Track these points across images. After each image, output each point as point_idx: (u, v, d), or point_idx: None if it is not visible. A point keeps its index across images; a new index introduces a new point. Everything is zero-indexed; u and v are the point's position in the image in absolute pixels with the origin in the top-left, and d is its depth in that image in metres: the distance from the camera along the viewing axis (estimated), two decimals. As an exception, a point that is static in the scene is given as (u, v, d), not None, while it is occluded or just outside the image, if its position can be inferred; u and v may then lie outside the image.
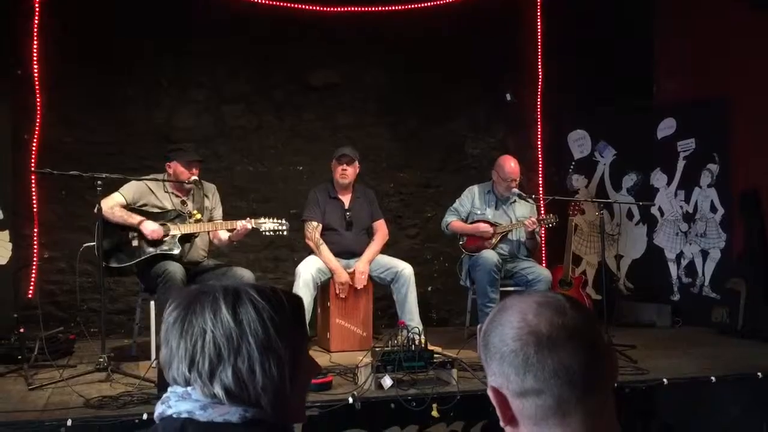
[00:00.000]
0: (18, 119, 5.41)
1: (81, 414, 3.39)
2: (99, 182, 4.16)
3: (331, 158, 5.27)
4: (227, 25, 5.95)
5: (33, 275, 5.48)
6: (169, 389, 1.20)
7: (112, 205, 4.50)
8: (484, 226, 5.33)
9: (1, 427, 3.25)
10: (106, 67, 5.70)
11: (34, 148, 5.48)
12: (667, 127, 6.60)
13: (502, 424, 1.08)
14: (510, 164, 5.34)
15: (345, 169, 5.19)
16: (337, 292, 5.05)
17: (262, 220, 4.71)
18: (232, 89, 6.13)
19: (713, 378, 4.18)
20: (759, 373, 4.24)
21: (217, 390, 1.15)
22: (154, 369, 3.76)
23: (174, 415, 1.16)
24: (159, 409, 1.19)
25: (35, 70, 5.49)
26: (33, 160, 5.45)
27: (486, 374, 1.11)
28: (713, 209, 6.22)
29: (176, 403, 1.17)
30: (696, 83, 6.37)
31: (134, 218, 4.52)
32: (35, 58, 5.48)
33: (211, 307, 1.18)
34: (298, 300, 1.31)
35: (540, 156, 6.78)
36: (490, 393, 1.08)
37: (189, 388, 1.17)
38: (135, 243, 4.51)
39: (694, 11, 6.43)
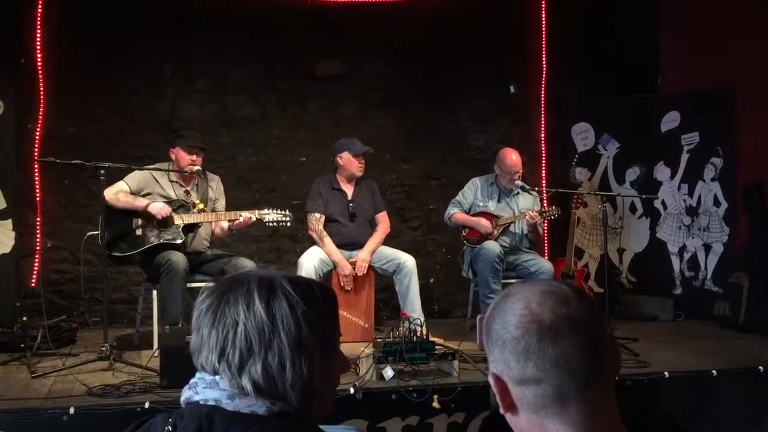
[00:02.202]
0: (22, 108, 5.41)
1: (83, 402, 3.41)
2: (102, 171, 4.18)
3: (340, 149, 5.22)
4: (231, 15, 5.93)
5: (36, 264, 5.49)
6: (197, 375, 1.20)
7: (116, 191, 4.51)
8: (484, 222, 5.32)
9: (5, 415, 3.27)
10: (110, 56, 5.70)
11: (37, 137, 5.48)
12: (671, 120, 6.58)
13: (501, 410, 1.08)
14: (511, 157, 5.33)
15: (362, 163, 5.21)
16: (342, 284, 5.06)
17: (265, 211, 4.72)
18: (235, 79, 6.13)
19: (715, 371, 4.18)
20: (760, 367, 4.24)
21: (245, 383, 1.14)
22: (156, 358, 3.77)
23: (201, 401, 1.16)
24: (186, 394, 1.19)
25: (39, 59, 5.49)
26: (36, 149, 5.46)
27: (487, 361, 1.11)
28: (716, 203, 6.20)
29: (204, 390, 1.17)
30: (701, 76, 6.34)
31: (140, 202, 4.54)
32: (39, 47, 5.48)
33: (245, 299, 1.17)
34: (333, 295, 1.30)
35: (543, 148, 6.76)
36: (490, 379, 1.09)
37: (217, 377, 1.17)
38: (138, 232, 4.53)
39: (701, 4, 6.39)
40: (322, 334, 1.20)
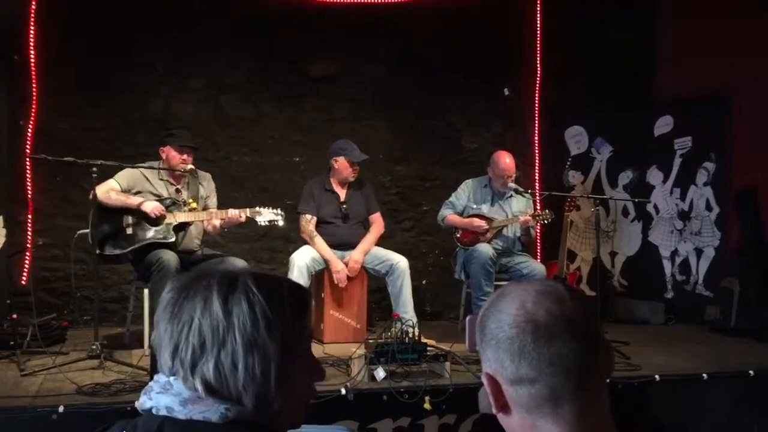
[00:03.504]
0: (14, 105, 5.39)
1: (73, 401, 3.39)
2: (94, 169, 4.16)
3: (337, 152, 5.19)
4: (226, 14, 5.92)
5: (27, 262, 5.46)
6: (155, 377, 1.15)
7: (107, 189, 4.49)
8: (477, 221, 5.32)
9: (-6, 413, 3.25)
10: (103, 53, 5.67)
11: (29, 134, 5.46)
12: (664, 125, 6.60)
13: (494, 410, 1.08)
14: (504, 160, 5.33)
15: (356, 169, 5.20)
16: (336, 281, 5.04)
17: (257, 209, 4.68)
18: (230, 78, 6.11)
19: (705, 375, 4.20)
20: (750, 371, 4.25)
21: (197, 383, 1.09)
22: (146, 357, 3.76)
23: (153, 410, 1.11)
24: (142, 399, 1.14)
25: (32, 56, 5.46)
26: (28, 146, 5.43)
27: (480, 361, 1.10)
28: (708, 208, 6.23)
29: (157, 395, 1.11)
30: (695, 81, 6.36)
31: (133, 200, 4.51)
32: (32, 44, 5.45)
33: (203, 294, 1.12)
34: (303, 296, 1.22)
35: (537, 151, 6.77)
36: (484, 379, 1.08)
37: (171, 379, 1.12)
38: (129, 231, 4.51)
39: (696, 9, 6.42)
40: (282, 335, 1.12)
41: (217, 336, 1.09)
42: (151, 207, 4.47)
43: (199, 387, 1.09)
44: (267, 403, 1.11)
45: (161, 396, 1.10)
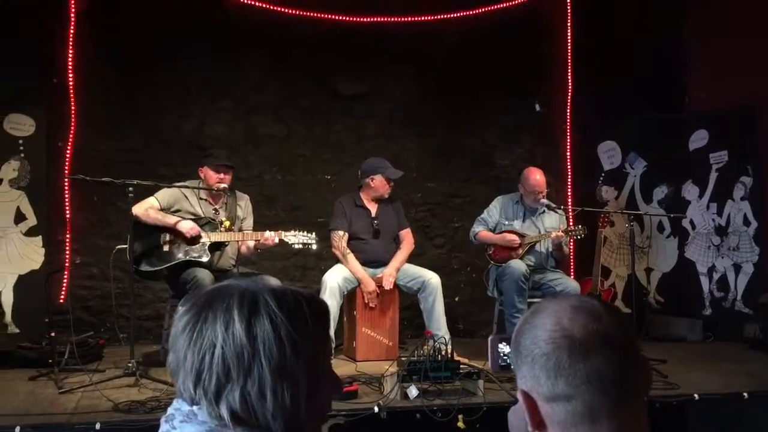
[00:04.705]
0: (53, 126, 5.51)
1: (109, 418, 3.43)
2: (131, 188, 4.23)
3: (373, 171, 5.23)
4: (258, 34, 6.00)
5: (65, 280, 5.55)
6: (174, 404, 1.10)
7: (147, 207, 4.57)
8: (510, 236, 5.29)
9: (32, 430, 3.30)
10: (138, 75, 5.79)
11: (68, 155, 5.57)
12: (699, 139, 6.52)
13: (529, 428, 1.06)
14: (535, 177, 5.30)
15: (392, 186, 5.26)
16: (366, 301, 5.05)
17: (291, 233, 4.72)
18: (261, 98, 6.19)
19: (746, 394, 4.10)
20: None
21: (223, 412, 1.03)
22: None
23: None
24: (164, 428, 1.09)
25: (70, 79, 5.59)
26: (67, 167, 5.54)
27: (515, 378, 1.09)
28: (746, 222, 6.12)
29: (180, 424, 1.06)
30: (729, 94, 6.28)
31: (170, 219, 4.58)
32: (70, 67, 5.58)
33: (224, 318, 1.06)
34: (324, 309, 1.17)
35: (569, 167, 6.73)
36: (519, 396, 1.07)
37: (195, 408, 1.06)
38: (166, 248, 4.57)
39: (729, 21, 6.35)
40: (308, 358, 1.08)
41: (242, 363, 1.04)
42: (187, 228, 4.53)
43: (226, 416, 1.03)
44: (296, 425, 1.07)
45: (186, 425, 1.06)
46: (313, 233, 4.76)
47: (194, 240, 4.56)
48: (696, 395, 4.03)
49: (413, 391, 3.76)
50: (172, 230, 4.56)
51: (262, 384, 1.04)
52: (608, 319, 1.03)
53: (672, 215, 6.27)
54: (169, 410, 1.10)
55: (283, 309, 1.08)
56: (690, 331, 6.17)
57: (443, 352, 3.92)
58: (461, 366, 3.93)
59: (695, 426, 4.01)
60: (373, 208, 5.29)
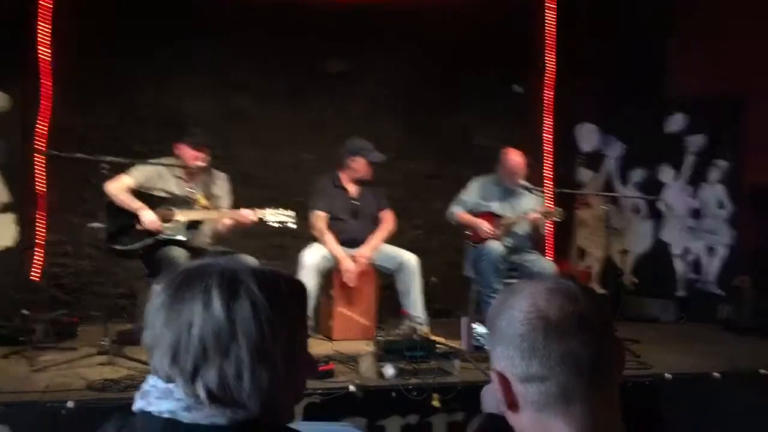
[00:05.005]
0: (27, 102, 5.41)
1: (83, 396, 3.40)
2: (105, 165, 4.17)
3: (356, 153, 5.19)
4: (237, 10, 5.91)
5: (38, 258, 5.48)
6: (150, 381, 1.10)
7: (120, 186, 4.49)
8: (486, 226, 5.28)
9: (4, 407, 3.27)
10: (115, 51, 5.68)
11: (42, 131, 5.48)
12: (676, 122, 6.57)
13: (503, 408, 1.07)
14: (514, 158, 5.31)
15: (370, 170, 5.20)
16: (345, 280, 5.04)
17: (268, 211, 4.66)
18: (240, 75, 6.11)
19: (717, 374, 4.16)
20: (762, 370, 4.22)
21: (199, 390, 1.04)
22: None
23: (154, 413, 1.06)
24: (139, 403, 1.09)
25: (44, 54, 5.48)
26: (40, 143, 5.45)
27: (490, 357, 1.09)
28: (721, 206, 6.19)
29: (157, 400, 1.06)
30: (708, 80, 6.31)
31: (135, 204, 4.50)
32: (45, 42, 5.47)
33: (203, 297, 1.05)
34: (303, 290, 1.18)
35: (548, 149, 6.74)
36: (493, 376, 1.07)
37: (171, 385, 1.06)
38: (140, 227, 4.51)
39: (710, 8, 6.37)
40: (286, 339, 1.08)
41: (220, 343, 1.04)
42: (148, 221, 4.46)
43: (202, 394, 1.04)
44: (273, 405, 1.08)
45: (162, 401, 1.06)
46: (291, 211, 4.72)
47: (165, 220, 4.49)
48: (668, 375, 4.09)
49: (389, 371, 3.77)
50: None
51: (240, 364, 1.03)
52: (584, 301, 1.03)
53: (648, 198, 6.33)
54: (145, 387, 1.09)
55: (263, 290, 1.07)
56: (663, 312, 6.26)
57: (420, 332, 3.93)
58: (437, 346, 3.95)
59: (667, 406, 4.07)
60: (352, 189, 5.27)
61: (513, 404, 1.04)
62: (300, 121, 6.25)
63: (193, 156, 4.66)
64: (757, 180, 5.89)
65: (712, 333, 5.67)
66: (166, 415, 1.05)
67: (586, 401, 0.99)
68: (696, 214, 6.40)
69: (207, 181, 4.79)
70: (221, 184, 4.89)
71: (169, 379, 1.06)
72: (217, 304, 1.04)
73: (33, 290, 5.13)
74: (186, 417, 1.04)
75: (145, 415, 1.07)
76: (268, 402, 1.06)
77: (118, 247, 4.49)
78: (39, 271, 5.46)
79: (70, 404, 3.28)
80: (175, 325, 1.05)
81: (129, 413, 1.11)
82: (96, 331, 4.50)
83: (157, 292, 1.10)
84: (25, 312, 4.47)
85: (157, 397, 1.06)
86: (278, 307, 1.08)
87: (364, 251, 5.09)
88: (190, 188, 4.74)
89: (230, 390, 1.04)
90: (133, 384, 3.54)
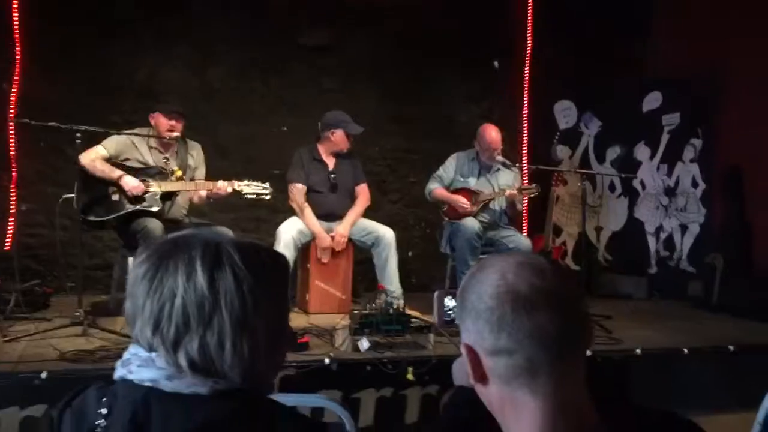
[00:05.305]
0: (-2, 68, 5.31)
1: (56, 367, 3.38)
2: (78, 135, 4.09)
3: (334, 125, 5.16)
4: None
5: (10, 227, 5.41)
6: (131, 350, 1.11)
7: (94, 157, 4.44)
8: (463, 202, 5.30)
9: (-24, 378, 3.24)
10: (90, 18, 5.58)
11: (12, 98, 5.38)
12: (653, 100, 6.61)
13: (471, 380, 1.08)
14: (491, 133, 5.31)
15: (351, 142, 5.19)
16: (319, 256, 5.05)
17: (244, 182, 4.65)
18: (218, 45, 6.03)
19: (686, 350, 4.24)
20: (731, 346, 4.30)
21: (181, 360, 1.05)
22: (131, 325, 3.74)
23: (136, 381, 1.07)
24: (120, 371, 1.10)
25: (15, 19, 5.36)
26: (12, 110, 5.35)
27: (460, 331, 1.10)
28: (694, 184, 6.26)
29: (138, 368, 1.07)
30: (685, 58, 6.35)
31: (115, 173, 4.45)
32: (16, 7, 5.35)
33: (186, 269, 1.06)
34: (285, 264, 1.20)
35: (525, 125, 6.76)
36: (462, 349, 1.08)
37: (153, 354, 1.07)
38: (115, 197, 4.46)
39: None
40: (268, 312, 1.09)
41: (202, 314, 1.05)
42: (130, 185, 4.41)
43: (183, 364, 1.05)
44: (253, 376, 1.09)
45: (143, 369, 1.07)
46: (267, 183, 4.70)
47: (137, 199, 4.45)
48: (638, 350, 4.15)
49: (364, 344, 3.79)
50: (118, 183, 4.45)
51: (222, 335, 1.05)
52: (553, 276, 1.04)
53: (623, 175, 6.38)
54: (126, 355, 1.10)
55: (246, 262, 1.08)
56: (636, 289, 6.35)
57: (395, 306, 3.95)
58: (412, 320, 3.97)
59: (637, 380, 4.14)
60: (330, 162, 5.25)
61: (482, 377, 1.06)
62: (277, 93, 6.20)
63: (167, 125, 4.60)
64: (730, 159, 5.96)
65: (682, 309, 5.76)
66: (147, 384, 1.05)
67: (552, 374, 1.01)
68: (670, 192, 6.46)
69: (181, 151, 4.75)
70: (196, 155, 4.85)
71: (151, 348, 1.07)
72: (200, 275, 1.06)
73: (5, 260, 5.06)
74: (168, 386, 1.04)
75: (127, 383, 1.08)
76: (249, 373, 1.07)
77: (92, 218, 4.44)
78: (10, 240, 5.39)
79: (43, 375, 3.26)
80: (158, 294, 1.06)
81: (110, 381, 1.11)
82: (70, 302, 4.47)
83: (140, 262, 1.10)
84: (-4, 282, 4.42)
85: (138, 365, 1.07)
86: (261, 279, 1.09)
87: (341, 229, 5.09)
88: (165, 159, 4.69)
89: (212, 360, 1.05)
90: (108, 355, 3.53)
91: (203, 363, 1.05)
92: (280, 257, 1.20)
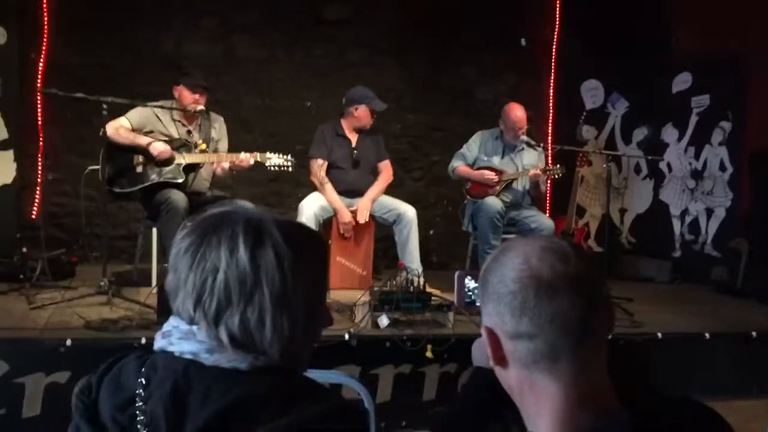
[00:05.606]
0: (25, 38, 5.34)
1: (81, 335, 3.44)
2: (105, 106, 4.13)
3: (357, 100, 5.12)
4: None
5: (37, 196, 5.48)
6: (172, 322, 1.11)
7: (117, 127, 4.47)
8: (488, 174, 5.29)
9: (2, 344, 3.31)
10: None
11: (40, 68, 5.42)
12: (682, 82, 6.49)
13: (491, 363, 1.08)
14: (516, 113, 5.26)
15: (371, 118, 5.17)
16: (342, 231, 5.06)
17: (268, 154, 4.66)
18: (242, 19, 6.03)
19: (708, 335, 4.21)
20: (753, 332, 4.27)
21: (222, 335, 1.05)
22: (154, 295, 3.80)
23: (176, 353, 1.08)
24: (160, 342, 1.10)
25: (43, -11, 5.39)
26: (39, 80, 5.39)
27: (481, 313, 1.10)
28: (722, 168, 6.16)
29: (179, 341, 1.08)
30: (715, 38, 6.21)
31: (142, 140, 4.49)
32: (43, -24, 5.38)
33: (228, 244, 1.07)
34: (323, 243, 1.21)
35: (551, 104, 6.69)
36: (483, 332, 1.08)
37: (194, 327, 1.08)
38: (139, 169, 4.50)
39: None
40: (307, 290, 1.10)
41: (244, 290, 1.06)
42: (159, 149, 4.45)
43: (224, 339, 1.05)
44: (291, 353, 1.10)
45: (184, 342, 1.07)
46: (289, 155, 4.71)
47: (166, 162, 4.49)
48: (659, 334, 4.13)
49: (384, 321, 3.81)
50: (146, 151, 4.48)
51: (262, 312, 1.06)
52: (577, 261, 1.03)
53: (650, 157, 6.30)
54: (166, 327, 1.11)
55: (288, 241, 1.09)
56: (658, 272, 6.29)
57: (415, 284, 3.96)
58: (433, 298, 3.98)
59: (657, 364, 4.12)
60: (353, 138, 5.24)
61: (501, 360, 1.05)
62: (301, 68, 6.19)
63: (191, 98, 4.62)
64: (758, 143, 5.86)
65: (706, 294, 5.71)
66: (187, 356, 1.06)
67: (573, 359, 1.00)
68: (697, 175, 6.37)
69: (204, 123, 4.76)
70: (219, 127, 4.87)
71: (192, 322, 1.08)
72: (242, 251, 1.06)
73: (31, 228, 5.14)
74: (208, 359, 1.05)
75: (167, 354, 1.09)
76: (287, 350, 1.08)
77: (117, 190, 4.49)
78: (36, 209, 5.46)
79: (68, 342, 3.32)
80: (201, 268, 1.07)
81: (148, 351, 1.12)
82: (94, 272, 4.53)
83: (183, 236, 1.11)
84: (23, 250, 4.48)
85: (179, 337, 1.08)
86: (301, 257, 1.10)
87: (363, 204, 5.08)
88: (188, 131, 4.71)
89: (252, 336, 1.06)
90: (131, 325, 3.59)
91: (243, 338, 1.06)
92: (319, 236, 1.22)
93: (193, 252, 1.08)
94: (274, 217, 1.14)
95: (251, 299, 1.06)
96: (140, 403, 1.05)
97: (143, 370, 1.09)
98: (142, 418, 1.03)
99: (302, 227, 1.18)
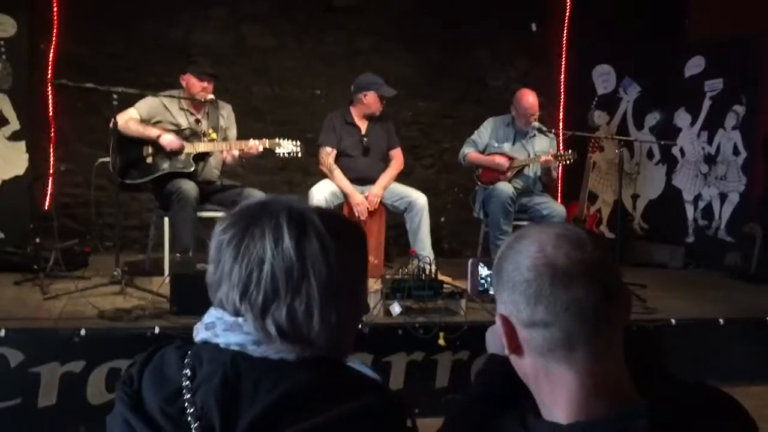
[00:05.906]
0: (35, 29, 5.35)
1: (95, 324, 3.46)
2: (115, 96, 4.13)
3: (366, 87, 5.11)
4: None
5: (49, 187, 5.51)
6: (214, 313, 1.10)
7: (127, 119, 4.48)
8: (500, 159, 5.26)
9: (17, 334, 3.33)
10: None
11: (51, 59, 5.43)
12: (695, 66, 6.43)
13: (506, 351, 1.07)
14: (528, 99, 5.22)
15: (381, 105, 5.14)
16: (356, 213, 5.03)
17: (276, 140, 4.67)
18: (252, 8, 6.01)
19: (722, 320, 4.18)
20: (768, 318, 4.24)
21: (270, 326, 1.04)
22: (166, 285, 3.81)
23: (222, 345, 1.06)
24: (203, 334, 1.09)
25: (53, -20, 5.39)
26: (50, 71, 5.40)
27: (496, 301, 1.09)
28: (736, 152, 6.10)
29: (224, 332, 1.06)
30: (728, 22, 6.13)
31: (152, 132, 4.50)
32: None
33: (273, 235, 1.06)
34: (363, 233, 1.20)
35: (562, 90, 6.64)
36: (498, 320, 1.07)
37: (240, 319, 1.06)
38: (149, 160, 4.52)
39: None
40: (350, 280, 1.11)
41: (291, 281, 1.05)
42: (168, 141, 4.46)
43: (272, 330, 1.04)
44: (338, 344, 1.10)
45: (229, 333, 1.06)
46: (298, 141, 4.70)
47: (176, 153, 4.50)
48: (673, 320, 4.11)
49: (396, 308, 3.80)
50: (154, 142, 4.49)
51: (310, 302, 1.05)
52: (592, 248, 1.01)
53: (662, 142, 6.24)
54: (208, 318, 1.10)
55: (331, 230, 1.08)
56: (672, 258, 6.25)
57: (427, 272, 3.95)
58: (445, 285, 3.97)
59: (671, 350, 4.10)
60: (363, 126, 5.23)
61: (516, 348, 1.05)
62: (311, 56, 6.17)
63: (200, 87, 4.62)
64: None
65: (719, 280, 5.68)
66: (234, 348, 1.05)
67: (589, 347, 0.99)
68: (710, 159, 6.32)
69: (212, 112, 4.76)
70: (226, 115, 4.87)
71: (237, 314, 1.07)
72: (288, 242, 1.05)
73: (44, 219, 5.16)
74: (255, 351, 1.05)
75: (211, 346, 1.07)
76: (334, 340, 1.08)
77: (128, 181, 4.51)
78: (49, 200, 5.49)
79: (82, 332, 3.34)
80: (246, 261, 1.06)
81: (190, 343, 1.11)
82: (107, 262, 4.55)
83: (225, 228, 1.10)
84: (37, 240, 4.51)
85: (224, 329, 1.07)
86: (344, 247, 1.09)
87: (375, 190, 5.08)
88: (197, 120, 4.71)
89: (299, 327, 1.05)
90: (144, 314, 3.61)
91: (291, 330, 1.05)
92: (359, 227, 1.20)
93: (236, 244, 1.07)
94: (315, 207, 1.13)
95: (298, 290, 1.05)
96: (188, 395, 1.03)
97: (187, 361, 1.07)
98: (192, 410, 1.02)
99: (342, 216, 1.18)
